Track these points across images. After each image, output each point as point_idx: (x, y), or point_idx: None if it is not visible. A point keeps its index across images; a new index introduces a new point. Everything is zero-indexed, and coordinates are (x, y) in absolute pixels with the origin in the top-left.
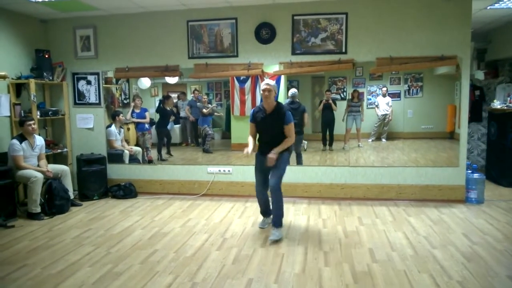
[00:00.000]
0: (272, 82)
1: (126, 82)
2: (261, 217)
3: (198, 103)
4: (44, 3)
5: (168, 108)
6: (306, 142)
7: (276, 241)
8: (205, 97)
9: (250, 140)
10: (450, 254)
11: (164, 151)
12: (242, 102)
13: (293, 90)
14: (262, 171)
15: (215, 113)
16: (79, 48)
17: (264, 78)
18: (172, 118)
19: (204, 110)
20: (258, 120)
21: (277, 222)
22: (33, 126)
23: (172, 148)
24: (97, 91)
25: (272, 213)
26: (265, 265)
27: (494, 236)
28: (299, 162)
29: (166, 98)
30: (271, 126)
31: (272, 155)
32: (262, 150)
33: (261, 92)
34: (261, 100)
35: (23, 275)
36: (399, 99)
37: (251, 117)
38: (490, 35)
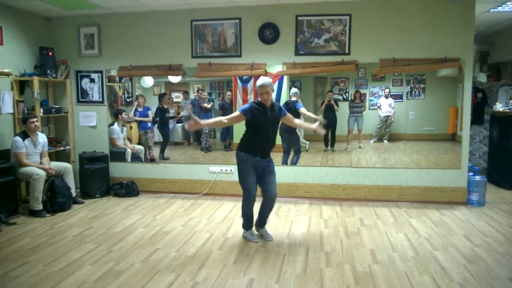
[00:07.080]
0: (269, 81)
1: (129, 80)
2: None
3: (200, 100)
4: (49, 0)
5: (165, 107)
6: (308, 142)
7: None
8: (205, 93)
9: (215, 119)
10: (451, 256)
11: (166, 151)
12: (245, 102)
13: (294, 90)
14: (256, 174)
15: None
16: (83, 46)
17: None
18: (177, 117)
19: (205, 105)
20: (257, 115)
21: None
22: (36, 123)
23: (174, 147)
24: (100, 89)
25: (266, 215)
26: (266, 265)
27: (495, 238)
28: (294, 161)
29: (161, 96)
30: (271, 120)
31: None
32: (257, 150)
33: (260, 93)
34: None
35: (25, 272)
36: (401, 100)
37: (248, 112)
38: (493, 38)
